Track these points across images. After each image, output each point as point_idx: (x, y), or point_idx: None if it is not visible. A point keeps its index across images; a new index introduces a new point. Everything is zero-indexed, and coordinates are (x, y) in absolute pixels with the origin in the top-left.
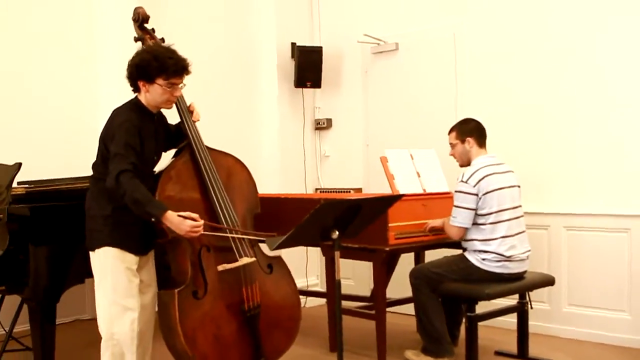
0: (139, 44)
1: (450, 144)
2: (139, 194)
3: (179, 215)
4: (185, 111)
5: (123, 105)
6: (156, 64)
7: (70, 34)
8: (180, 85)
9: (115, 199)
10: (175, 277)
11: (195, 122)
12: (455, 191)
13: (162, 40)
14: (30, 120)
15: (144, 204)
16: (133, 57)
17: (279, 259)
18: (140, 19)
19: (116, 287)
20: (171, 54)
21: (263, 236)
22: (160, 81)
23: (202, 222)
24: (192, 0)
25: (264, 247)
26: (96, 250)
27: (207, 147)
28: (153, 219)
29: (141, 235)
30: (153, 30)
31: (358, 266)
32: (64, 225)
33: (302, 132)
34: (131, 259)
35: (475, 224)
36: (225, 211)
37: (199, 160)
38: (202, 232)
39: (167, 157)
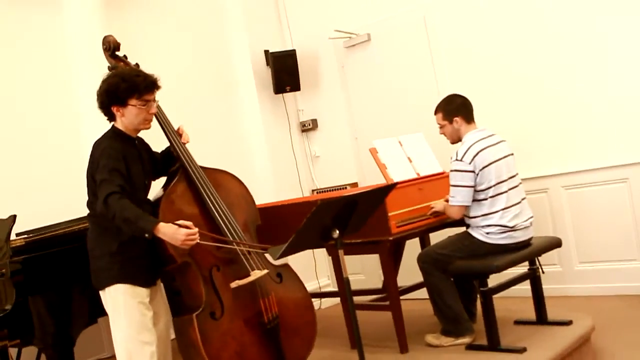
0: None
1: (438, 124)
2: (127, 212)
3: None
4: (173, 134)
5: (102, 135)
6: (125, 85)
7: (48, 78)
8: (155, 103)
9: (120, 233)
10: (189, 301)
11: (185, 144)
12: (451, 170)
13: (137, 65)
14: (17, 170)
15: (135, 221)
16: (100, 85)
17: (286, 266)
18: (111, 47)
19: (131, 323)
20: (137, 72)
21: (261, 247)
22: (133, 101)
23: (196, 229)
24: (162, 26)
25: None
26: (106, 289)
27: (201, 167)
28: (147, 235)
29: (149, 267)
30: (125, 57)
31: (366, 260)
32: (58, 271)
33: (289, 136)
34: (142, 293)
35: (475, 200)
36: (229, 227)
37: (195, 180)
38: (200, 242)
39: (157, 185)
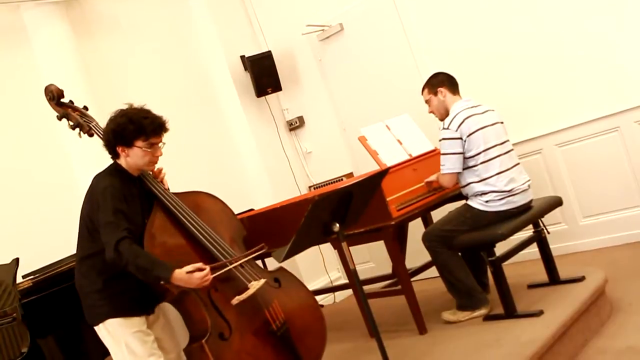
0: (65, 121)
1: (426, 101)
2: (141, 260)
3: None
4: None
5: (103, 171)
6: (133, 126)
7: (29, 117)
8: (160, 145)
9: (104, 270)
10: (195, 328)
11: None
12: (440, 140)
13: (85, 108)
14: (11, 213)
15: (151, 269)
16: (108, 124)
17: (281, 270)
18: (55, 96)
19: (133, 353)
20: (145, 113)
21: (259, 251)
22: (139, 143)
23: (207, 268)
24: (135, 48)
25: (267, 263)
26: (100, 325)
27: (174, 193)
28: (163, 282)
29: (140, 299)
30: (71, 102)
31: (373, 248)
32: (63, 309)
33: (278, 137)
34: (138, 321)
35: (467, 168)
36: (217, 246)
37: (170, 208)
38: (212, 276)
39: None
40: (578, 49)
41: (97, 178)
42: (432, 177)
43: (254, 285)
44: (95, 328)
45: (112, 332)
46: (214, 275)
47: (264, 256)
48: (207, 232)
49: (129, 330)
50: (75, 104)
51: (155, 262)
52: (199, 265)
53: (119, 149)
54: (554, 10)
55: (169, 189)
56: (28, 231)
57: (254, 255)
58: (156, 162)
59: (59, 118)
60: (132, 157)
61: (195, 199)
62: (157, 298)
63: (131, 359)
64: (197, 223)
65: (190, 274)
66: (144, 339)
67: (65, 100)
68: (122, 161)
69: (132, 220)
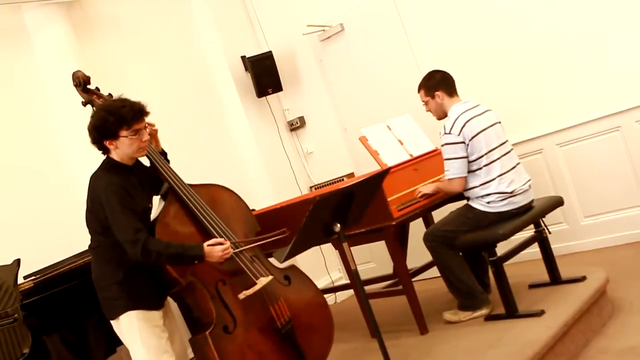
0: (89, 107)
1: (422, 102)
2: (171, 248)
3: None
4: (156, 156)
5: (98, 169)
6: (113, 118)
7: (30, 119)
8: (146, 129)
9: (124, 261)
10: (201, 319)
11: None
12: (442, 145)
13: (110, 95)
14: (12, 212)
15: (183, 253)
16: (90, 121)
17: (292, 267)
18: (82, 82)
19: (149, 348)
20: (122, 102)
21: (279, 235)
22: (124, 133)
23: (227, 243)
24: (136, 49)
25: (274, 260)
26: (119, 318)
27: (189, 185)
28: (197, 261)
29: (157, 290)
30: (97, 89)
31: (374, 248)
32: (70, 307)
33: (279, 138)
34: (156, 316)
35: (470, 171)
36: (228, 237)
37: (185, 200)
38: (232, 253)
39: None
40: (579, 48)
41: (95, 177)
42: (428, 189)
43: (262, 281)
44: (113, 322)
45: (130, 326)
46: (236, 250)
47: (266, 255)
48: (219, 225)
49: (147, 324)
50: (101, 91)
51: (184, 245)
52: (220, 239)
53: (107, 143)
54: (555, 9)
55: (162, 149)
56: (29, 232)
57: (272, 239)
58: (145, 147)
59: (84, 104)
60: (121, 148)
61: (211, 190)
62: (167, 289)
63: (146, 354)
64: (208, 214)
65: (212, 247)
66: (160, 335)
67: (91, 86)
68: (113, 154)
69: (141, 211)
